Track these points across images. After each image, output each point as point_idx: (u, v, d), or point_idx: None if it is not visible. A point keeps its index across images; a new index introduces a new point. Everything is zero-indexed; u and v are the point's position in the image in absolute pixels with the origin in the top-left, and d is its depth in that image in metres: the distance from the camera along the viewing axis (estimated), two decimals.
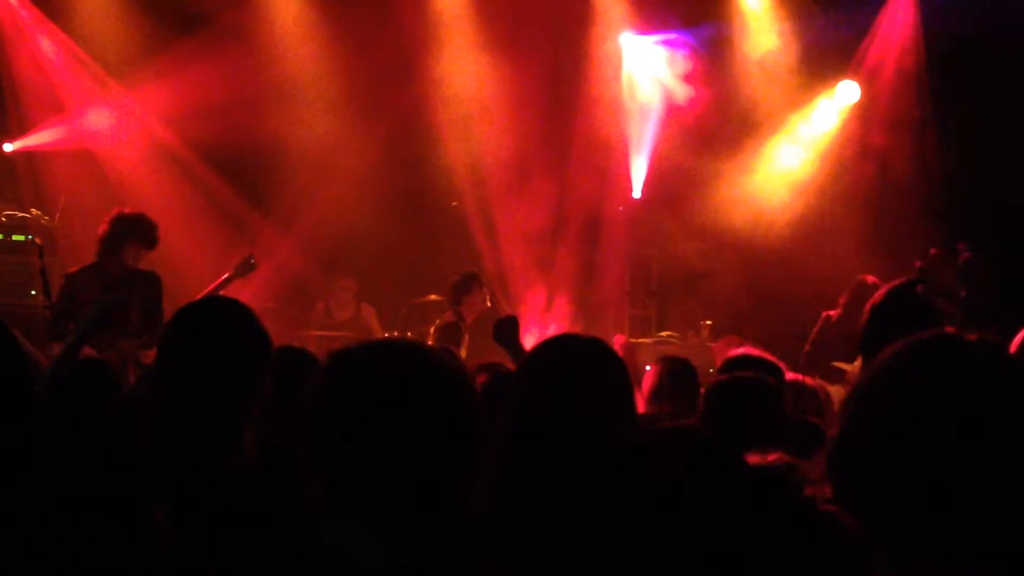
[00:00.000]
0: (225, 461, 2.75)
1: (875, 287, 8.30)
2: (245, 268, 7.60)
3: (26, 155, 10.38)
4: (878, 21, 10.85)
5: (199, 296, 6.85)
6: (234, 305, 2.98)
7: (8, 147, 10.42)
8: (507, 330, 4.80)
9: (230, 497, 2.70)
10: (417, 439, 1.78)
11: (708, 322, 10.64)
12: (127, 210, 7.61)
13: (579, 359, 2.78)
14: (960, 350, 1.71)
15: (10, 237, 9.33)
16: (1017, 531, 1.62)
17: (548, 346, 2.88)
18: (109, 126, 10.85)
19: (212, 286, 7.44)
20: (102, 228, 7.51)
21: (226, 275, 7.53)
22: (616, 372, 2.78)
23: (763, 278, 10.27)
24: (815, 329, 8.68)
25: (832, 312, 8.62)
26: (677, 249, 11.02)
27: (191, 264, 9.65)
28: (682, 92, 11.25)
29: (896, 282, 2.91)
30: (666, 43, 11.42)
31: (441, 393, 1.82)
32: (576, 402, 2.65)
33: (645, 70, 11.60)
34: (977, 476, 1.62)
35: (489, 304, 9.25)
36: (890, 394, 1.69)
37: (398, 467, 1.76)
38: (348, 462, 1.78)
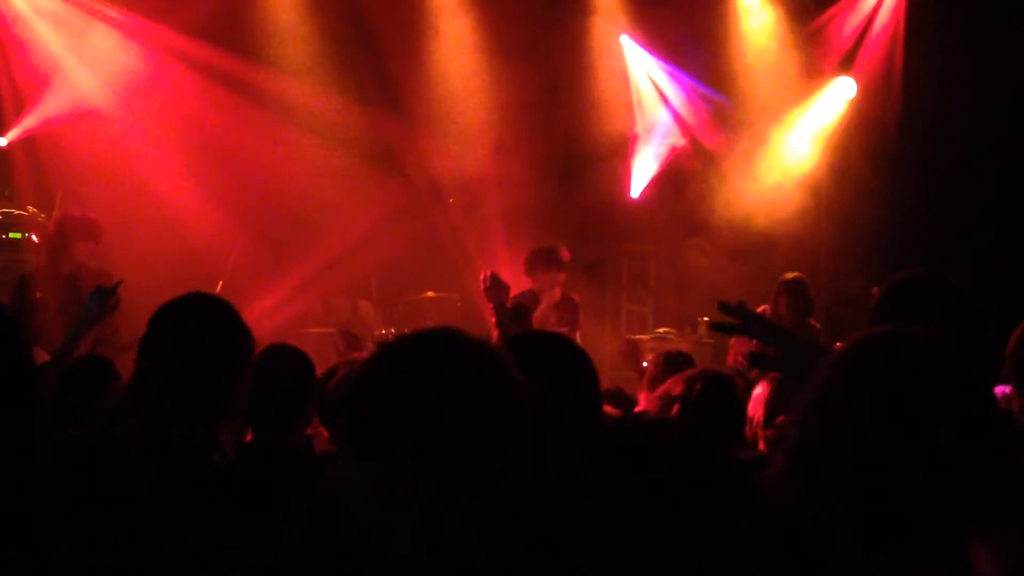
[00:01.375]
0: (200, 457, 2.76)
1: (799, 283, 8.48)
2: None
3: (24, 150, 10.26)
4: (870, 14, 10.85)
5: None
6: (215, 302, 2.98)
7: (3, 140, 10.36)
8: (523, 316, 4.81)
9: (203, 493, 2.71)
10: (459, 427, 1.79)
11: (705, 318, 10.65)
12: (70, 211, 7.97)
13: (541, 355, 2.73)
14: (905, 348, 1.73)
15: (6, 234, 9.32)
16: (968, 524, 1.65)
17: (509, 343, 2.84)
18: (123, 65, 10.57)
19: None
20: (48, 232, 7.87)
21: None
22: (578, 368, 2.73)
23: (760, 273, 10.25)
24: None
25: (762, 308, 8.72)
26: (675, 245, 11.02)
27: None
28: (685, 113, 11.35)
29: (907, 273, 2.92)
30: (669, 74, 11.47)
31: (480, 383, 1.83)
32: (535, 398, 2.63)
33: (645, 78, 11.63)
34: (924, 470, 1.64)
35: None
36: (841, 392, 1.71)
37: (440, 453, 1.78)
38: (393, 448, 1.79)
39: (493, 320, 5.08)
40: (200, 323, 2.87)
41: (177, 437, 2.76)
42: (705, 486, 1.56)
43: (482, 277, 5.17)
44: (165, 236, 10.11)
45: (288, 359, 3.79)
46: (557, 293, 8.31)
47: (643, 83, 11.66)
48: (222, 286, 8.90)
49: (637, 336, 10.76)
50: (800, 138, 11.09)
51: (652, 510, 1.52)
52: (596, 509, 1.54)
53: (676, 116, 11.53)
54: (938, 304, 2.66)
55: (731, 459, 1.66)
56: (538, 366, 2.69)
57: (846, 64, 10.88)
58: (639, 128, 11.63)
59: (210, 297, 3.04)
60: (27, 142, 10.28)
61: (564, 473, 1.62)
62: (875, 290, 2.93)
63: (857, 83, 10.83)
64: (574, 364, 2.73)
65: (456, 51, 11.27)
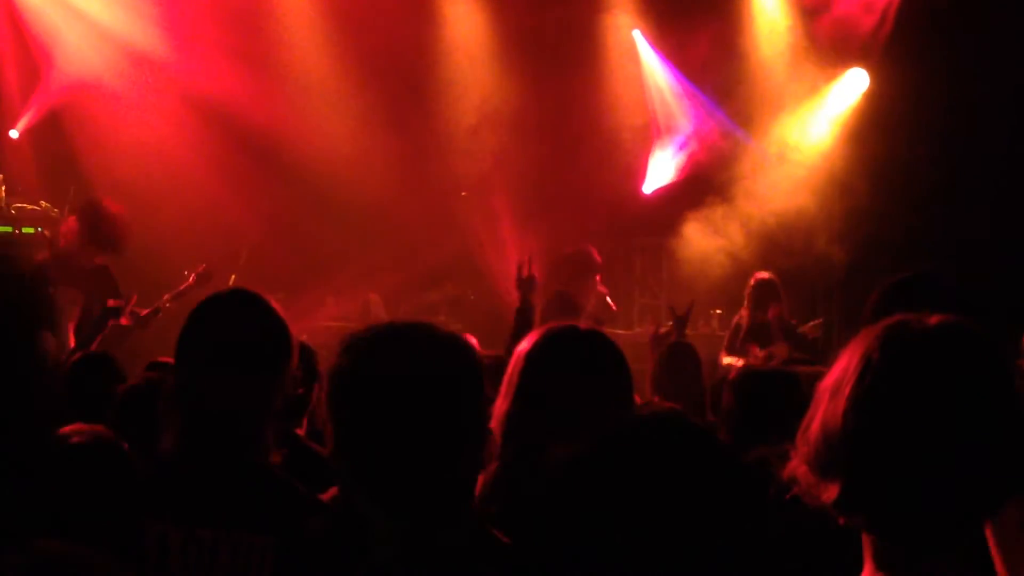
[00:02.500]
0: (250, 458, 2.73)
1: (770, 283, 8.58)
2: (204, 280, 7.90)
3: (36, 145, 10.27)
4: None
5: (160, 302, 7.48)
6: (257, 299, 2.87)
7: (14, 132, 10.38)
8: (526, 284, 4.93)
9: (256, 494, 2.70)
10: (426, 419, 1.79)
11: (718, 311, 10.63)
12: (95, 205, 7.87)
13: (577, 350, 2.74)
14: (921, 335, 1.72)
15: (20, 229, 9.35)
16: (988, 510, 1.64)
17: (545, 336, 2.80)
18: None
19: (168, 296, 7.73)
20: (70, 224, 7.77)
21: (184, 285, 7.86)
22: (614, 364, 2.73)
23: (775, 265, 10.23)
24: (728, 335, 8.94)
25: (742, 314, 8.87)
26: (690, 238, 10.99)
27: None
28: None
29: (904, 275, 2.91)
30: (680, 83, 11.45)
31: (448, 375, 1.83)
32: (569, 393, 2.61)
33: (658, 77, 11.61)
34: (946, 462, 1.63)
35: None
36: (859, 384, 1.69)
37: (407, 446, 1.77)
38: (360, 440, 1.79)
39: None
40: (245, 320, 2.79)
41: (225, 439, 2.71)
42: (712, 484, 1.53)
43: (518, 266, 5.27)
44: (181, 223, 10.16)
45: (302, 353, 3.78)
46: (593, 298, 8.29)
47: (656, 82, 11.65)
48: (234, 280, 8.91)
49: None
50: (814, 130, 11.06)
51: (657, 507, 1.50)
52: (599, 506, 1.52)
53: (692, 120, 11.51)
54: (934, 304, 2.63)
55: (739, 456, 1.65)
56: (570, 360, 2.68)
57: (860, 54, 10.84)
58: (656, 124, 11.63)
59: (251, 294, 2.92)
60: (40, 132, 10.29)
61: (569, 467, 1.60)
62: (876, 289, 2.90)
63: (867, 70, 10.79)
64: (607, 359, 2.72)
65: (466, 41, 11.26)
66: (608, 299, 8.50)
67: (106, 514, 2.33)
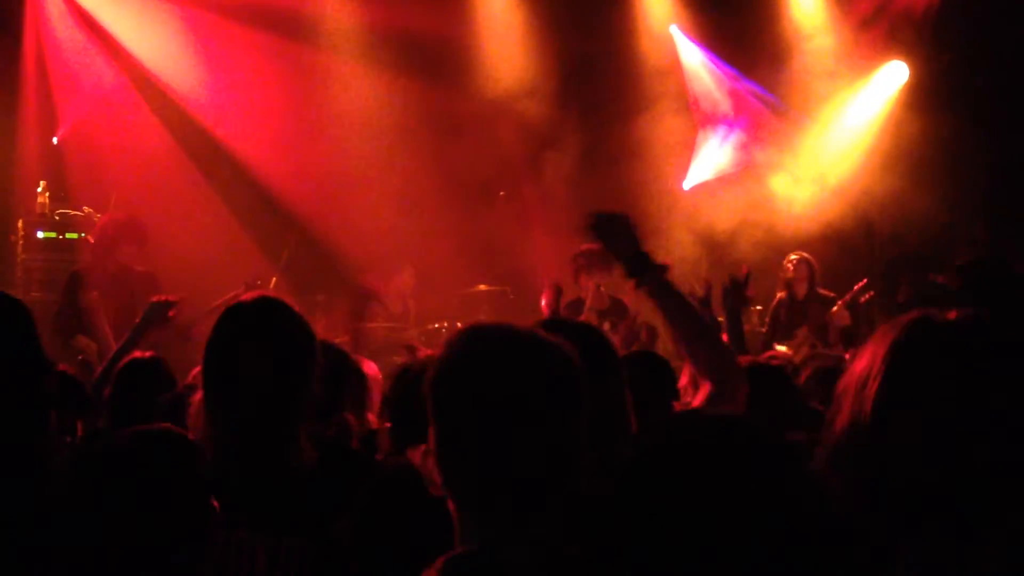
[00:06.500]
0: (284, 461, 2.75)
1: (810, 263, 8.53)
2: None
3: (79, 151, 10.36)
4: None
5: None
6: (279, 304, 2.92)
7: (54, 139, 10.47)
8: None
9: (292, 496, 2.72)
10: (520, 425, 1.77)
11: (758, 307, 10.57)
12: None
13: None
14: (941, 329, 1.71)
15: (63, 235, 9.44)
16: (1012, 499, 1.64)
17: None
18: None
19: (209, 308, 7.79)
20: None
21: (228, 296, 7.88)
22: (606, 363, 2.59)
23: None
24: (770, 311, 9.03)
25: (780, 294, 8.84)
26: (726, 235, 10.94)
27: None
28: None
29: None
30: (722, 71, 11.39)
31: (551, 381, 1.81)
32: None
33: (698, 70, 11.57)
34: (967, 453, 1.63)
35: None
36: (884, 377, 1.69)
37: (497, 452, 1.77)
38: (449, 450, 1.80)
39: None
40: (267, 326, 2.83)
41: (256, 444, 2.74)
42: (778, 480, 1.49)
43: (545, 291, 5.19)
44: (219, 229, 10.22)
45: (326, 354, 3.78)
46: (607, 298, 8.31)
47: (696, 75, 11.62)
48: (275, 282, 8.96)
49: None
50: (854, 122, 10.99)
51: (722, 507, 1.45)
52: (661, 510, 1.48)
53: (735, 111, 11.47)
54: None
55: (796, 445, 1.63)
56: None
57: (898, 47, 10.75)
58: (700, 120, 11.59)
59: (274, 300, 2.98)
60: (81, 138, 10.38)
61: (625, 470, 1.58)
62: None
63: (908, 56, 10.71)
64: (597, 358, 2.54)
65: (502, 35, 11.29)
66: (601, 289, 8.46)
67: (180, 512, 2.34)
